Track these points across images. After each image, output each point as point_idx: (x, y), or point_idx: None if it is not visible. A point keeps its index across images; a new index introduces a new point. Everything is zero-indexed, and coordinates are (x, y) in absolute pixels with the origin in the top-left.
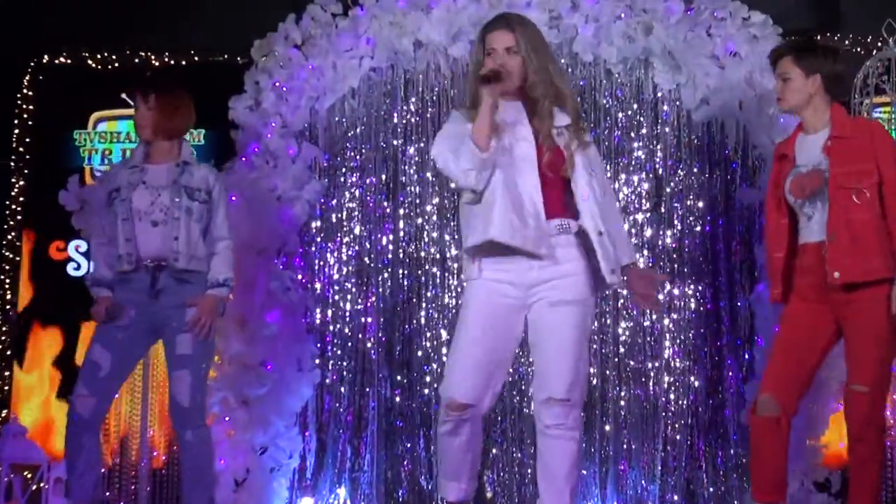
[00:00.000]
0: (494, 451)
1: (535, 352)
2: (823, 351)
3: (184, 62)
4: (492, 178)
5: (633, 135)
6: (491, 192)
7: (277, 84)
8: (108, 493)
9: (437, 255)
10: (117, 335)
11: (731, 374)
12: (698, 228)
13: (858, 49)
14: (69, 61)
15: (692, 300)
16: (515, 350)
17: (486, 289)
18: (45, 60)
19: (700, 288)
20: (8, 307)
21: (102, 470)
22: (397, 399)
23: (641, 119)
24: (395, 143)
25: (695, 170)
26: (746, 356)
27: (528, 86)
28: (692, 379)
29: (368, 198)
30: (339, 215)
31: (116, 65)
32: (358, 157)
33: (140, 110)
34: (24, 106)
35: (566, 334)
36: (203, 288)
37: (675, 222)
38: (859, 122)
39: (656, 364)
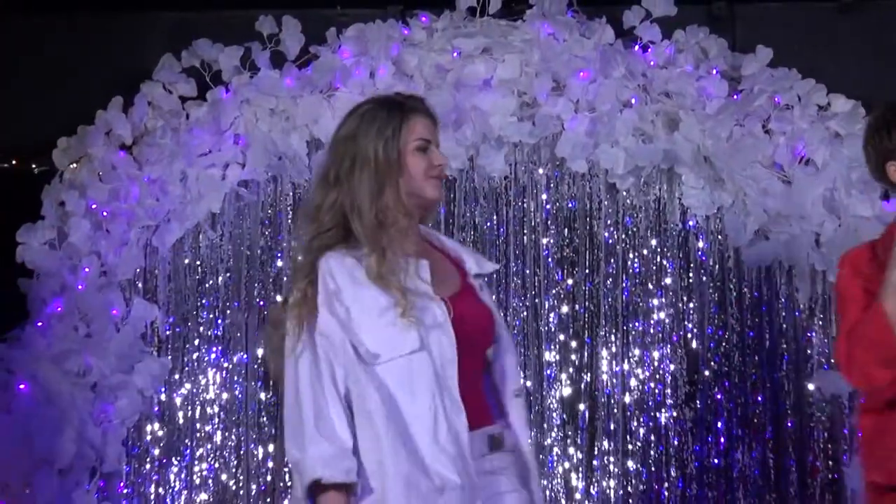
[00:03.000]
0: None
1: None
2: None
3: None
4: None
5: (650, 287)
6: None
7: (94, 206)
8: None
9: None
10: None
11: None
12: (755, 437)
13: None
14: None
15: None
16: None
17: None
18: None
19: None
20: None
21: None
22: None
23: (664, 262)
24: (278, 298)
25: (748, 342)
26: None
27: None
28: None
29: (236, 385)
30: (190, 413)
31: None
32: (220, 320)
33: None
34: None
35: None
36: None
37: (719, 425)
38: None
39: None
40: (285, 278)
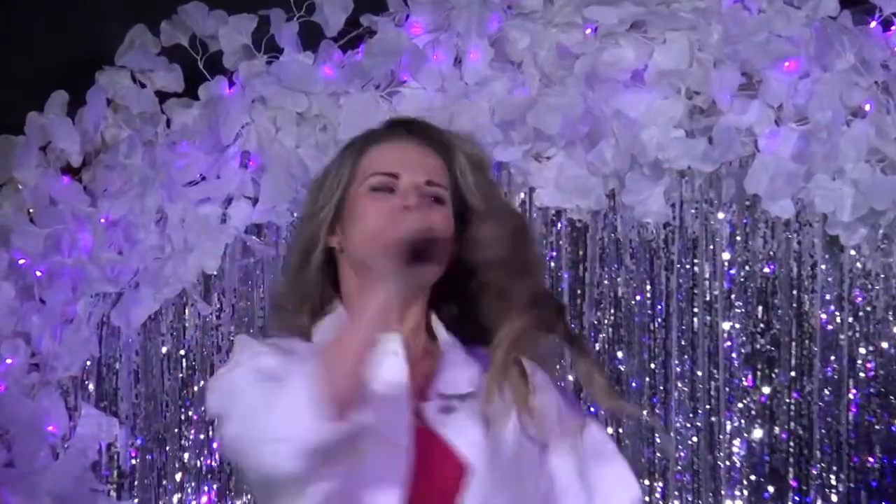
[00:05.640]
0: None
1: None
2: None
3: None
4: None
5: (895, 401)
6: None
7: (22, 262)
8: None
9: None
10: None
11: None
12: None
13: None
14: None
15: None
16: None
17: None
18: None
19: None
20: None
21: None
22: None
23: None
24: None
25: None
26: None
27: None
28: None
29: None
30: None
31: None
32: (214, 443)
33: None
34: None
35: None
36: None
37: None
38: None
39: None
40: None
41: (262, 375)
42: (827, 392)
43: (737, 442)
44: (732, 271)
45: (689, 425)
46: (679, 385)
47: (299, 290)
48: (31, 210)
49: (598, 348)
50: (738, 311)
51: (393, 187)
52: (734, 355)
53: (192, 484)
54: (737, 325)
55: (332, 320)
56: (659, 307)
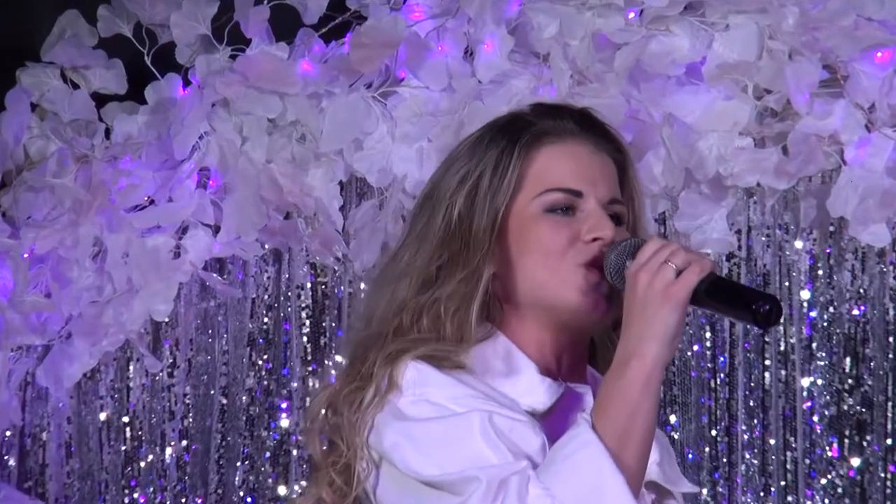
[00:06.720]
0: None
1: None
2: None
3: None
4: None
5: None
6: None
7: None
8: None
9: None
10: None
11: None
12: None
13: None
14: None
15: None
16: None
17: None
18: None
19: None
20: None
21: None
22: None
23: None
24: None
25: None
26: None
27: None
28: None
29: None
30: None
31: None
32: None
33: None
34: None
35: None
36: None
37: None
38: None
39: None
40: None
41: (502, 437)
42: None
43: None
44: (813, 314)
45: None
46: (747, 456)
47: (444, 316)
48: None
49: None
50: (821, 363)
51: (573, 206)
52: (815, 419)
53: None
54: (819, 382)
55: (493, 350)
56: (721, 360)
